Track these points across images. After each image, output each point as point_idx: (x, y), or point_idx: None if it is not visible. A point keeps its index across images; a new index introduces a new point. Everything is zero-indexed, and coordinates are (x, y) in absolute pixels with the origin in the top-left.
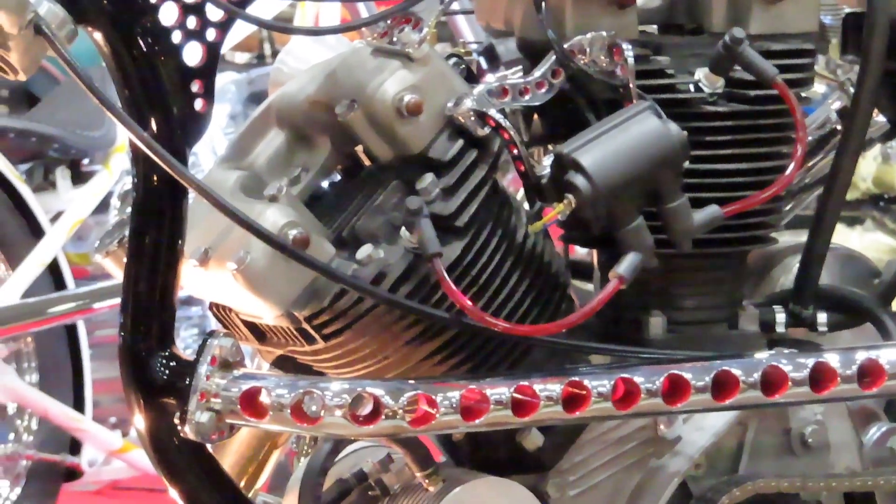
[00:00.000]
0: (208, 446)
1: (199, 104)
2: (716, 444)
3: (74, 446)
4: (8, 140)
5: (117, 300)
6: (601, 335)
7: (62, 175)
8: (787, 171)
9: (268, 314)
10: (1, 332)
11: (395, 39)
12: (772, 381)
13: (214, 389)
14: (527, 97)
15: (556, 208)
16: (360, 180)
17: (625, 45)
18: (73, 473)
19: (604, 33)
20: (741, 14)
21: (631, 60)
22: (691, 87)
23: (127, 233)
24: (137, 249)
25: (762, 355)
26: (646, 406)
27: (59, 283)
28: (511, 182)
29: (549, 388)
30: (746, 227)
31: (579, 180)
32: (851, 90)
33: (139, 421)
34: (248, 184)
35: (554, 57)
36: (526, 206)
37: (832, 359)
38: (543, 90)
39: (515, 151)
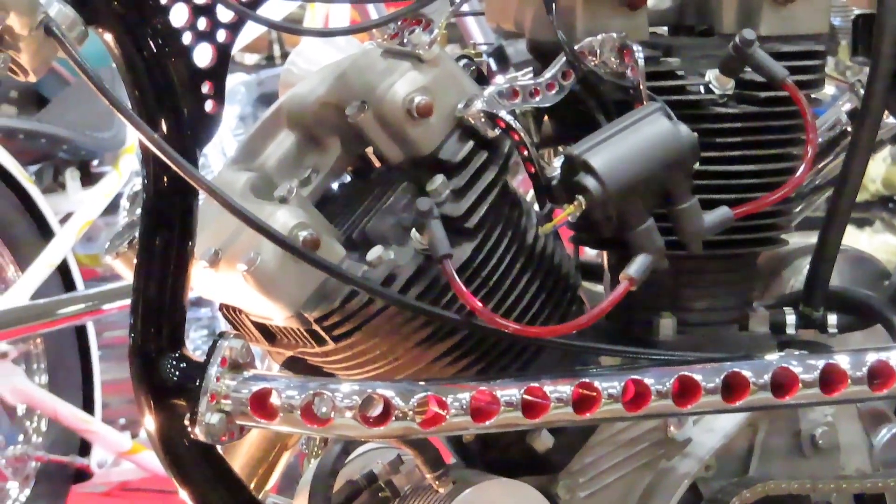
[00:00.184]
0: (218, 448)
1: (209, 105)
2: (726, 446)
3: (84, 448)
4: (17, 141)
5: (127, 301)
6: (611, 336)
7: (72, 176)
8: (798, 173)
9: (278, 315)
10: (10, 333)
11: (405, 41)
12: (782, 383)
13: (225, 391)
14: (537, 99)
15: (566, 210)
16: (370, 182)
17: (635, 47)
18: (82, 475)
19: (614, 35)
20: (751, 15)
21: (641, 62)
22: (702, 89)
23: (137, 234)
24: (148, 251)
25: (772, 357)
26: (656, 408)
27: (69, 285)
28: (521, 183)
29: (560, 389)
30: (757, 228)
31: (590, 182)
32: (862, 91)
33: (149, 422)
34: (259, 185)
35: (564, 58)
36: (536, 207)
37: (842, 360)
38: (554, 92)
39: (526, 153)
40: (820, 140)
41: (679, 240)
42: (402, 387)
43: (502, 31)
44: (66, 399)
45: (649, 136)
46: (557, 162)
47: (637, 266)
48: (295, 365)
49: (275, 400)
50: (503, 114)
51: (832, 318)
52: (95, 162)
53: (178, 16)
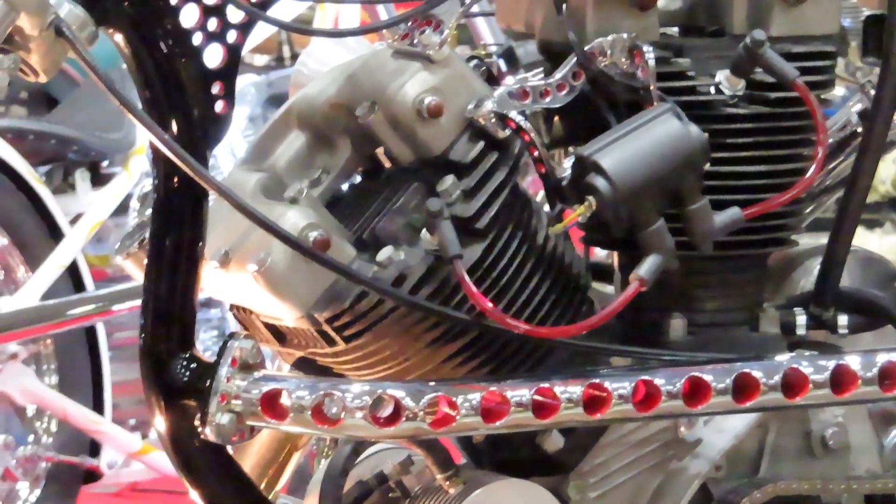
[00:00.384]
0: (229, 448)
1: (219, 106)
2: (736, 447)
3: (94, 448)
4: (28, 142)
5: (137, 302)
6: (622, 337)
7: (82, 177)
8: (808, 174)
9: (288, 316)
10: (20, 334)
11: (415, 41)
12: (792, 384)
13: (235, 391)
14: (547, 99)
15: (576, 210)
16: (380, 182)
17: (645, 48)
18: (92, 475)
19: (625, 35)
20: (762, 16)
21: (652, 62)
22: (712, 90)
23: (147, 235)
24: (158, 251)
25: (783, 358)
26: (666, 408)
27: (79, 285)
28: (531, 184)
29: (570, 390)
30: (767, 229)
31: (600, 182)
32: (872, 92)
33: (160, 423)
34: (269, 185)
35: (575, 59)
36: (546, 208)
37: (853, 361)
38: (564, 92)
39: (536, 153)
40: (830, 141)
41: (689, 240)
42: (412, 387)
43: (512, 32)
44: (76, 400)
45: (660, 137)
46: (568, 162)
47: (647, 267)
48: (305, 365)
49: (285, 400)
50: (514, 114)
51: (843, 319)
52: (105, 163)
53: (189, 16)
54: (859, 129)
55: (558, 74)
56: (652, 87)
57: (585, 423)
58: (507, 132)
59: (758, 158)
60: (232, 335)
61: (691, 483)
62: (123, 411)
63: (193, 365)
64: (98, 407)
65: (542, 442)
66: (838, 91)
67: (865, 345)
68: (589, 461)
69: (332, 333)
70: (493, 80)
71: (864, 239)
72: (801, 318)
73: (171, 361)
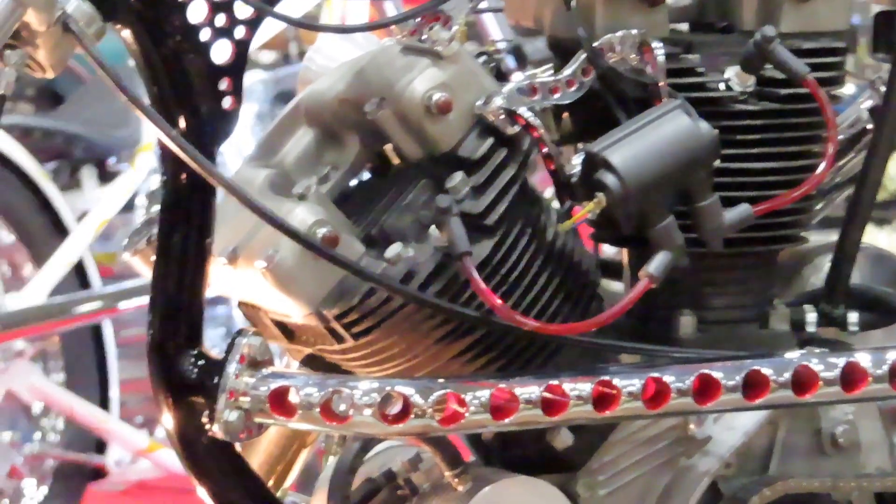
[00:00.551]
0: (237, 445)
1: (227, 102)
2: (746, 444)
3: (101, 446)
4: (34, 139)
5: (143, 300)
6: (631, 334)
7: (88, 174)
8: (819, 170)
9: (297, 313)
10: (27, 331)
11: (424, 37)
12: (802, 381)
13: (243, 388)
14: (557, 95)
15: (586, 207)
16: (389, 178)
17: (655, 44)
18: (99, 473)
19: (634, 31)
20: (772, 12)
21: (661, 59)
22: (722, 86)
23: (155, 231)
24: (166, 248)
25: (793, 355)
26: (676, 405)
27: (85, 283)
28: (541, 181)
29: (579, 387)
30: (777, 226)
31: (609, 179)
32: (882, 89)
33: (167, 420)
34: (277, 182)
35: (584, 55)
36: (556, 204)
37: (863, 358)
38: (573, 88)
39: (545, 150)
40: (840, 137)
41: (699, 237)
42: (421, 384)
43: (521, 29)
44: (83, 397)
45: (669, 133)
46: (577, 159)
47: (657, 263)
48: (314, 362)
49: (293, 397)
50: (523, 111)
51: (853, 316)
52: (112, 160)
53: (197, 12)
54: (869, 126)
55: (567, 70)
56: (661, 84)
57: (595, 421)
58: (517, 128)
59: (768, 155)
60: (240, 332)
61: (701, 480)
62: (130, 409)
63: (201, 362)
64: (105, 404)
65: (552, 439)
66: (848, 88)
67: (875, 342)
68: (598, 459)
69: (341, 330)
70: (501, 76)
71: (872, 236)
72: (811, 316)
73: (179, 358)
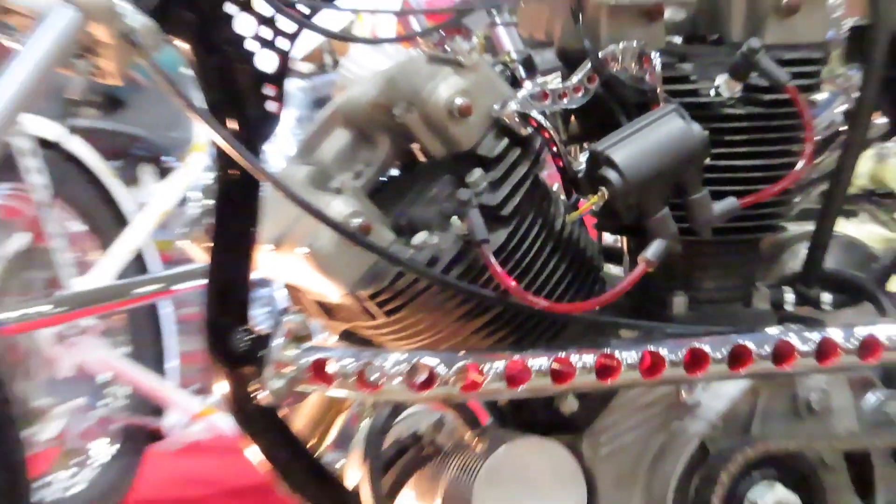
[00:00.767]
0: (282, 410)
1: (271, 106)
2: (731, 409)
3: (160, 411)
4: (100, 140)
5: (197, 282)
6: (630, 312)
7: (147, 171)
8: (797, 167)
9: (334, 293)
10: (95, 310)
11: (447, 48)
12: (781, 354)
13: (287, 360)
14: (565, 100)
15: (590, 200)
16: (415, 174)
17: (653, 54)
18: (158, 435)
19: (634, 43)
20: (757, 26)
21: (658, 68)
22: (712, 92)
23: (209, 221)
24: (219, 236)
25: (773, 331)
26: (669, 375)
27: (146, 267)
28: (550, 176)
29: (584, 358)
30: (760, 216)
31: (612, 175)
32: (854, 95)
33: (221, 388)
34: (317, 178)
35: (590, 64)
36: (564, 197)
37: (835, 334)
38: (580, 94)
39: (555, 149)
40: (817, 138)
41: (691, 226)
42: (444, 356)
43: (531, 41)
44: (145, 368)
45: (665, 134)
46: (583, 157)
47: (653, 250)
48: (349, 337)
49: (331, 368)
50: (535, 114)
51: (826, 297)
52: (167, 158)
53: (245, 26)
54: (843, 128)
55: (575, 78)
56: (658, 90)
57: (597, 388)
58: (529, 130)
59: (752, 154)
60: (284, 310)
61: (691, 441)
62: (187, 378)
63: (251, 336)
64: (165, 374)
65: (559, 404)
66: (822, 94)
67: (846, 319)
68: (600, 422)
69: (374, 309)
70: (515, 83)
71: (841, 227)
72: (789, 296)
73: (230, 333)
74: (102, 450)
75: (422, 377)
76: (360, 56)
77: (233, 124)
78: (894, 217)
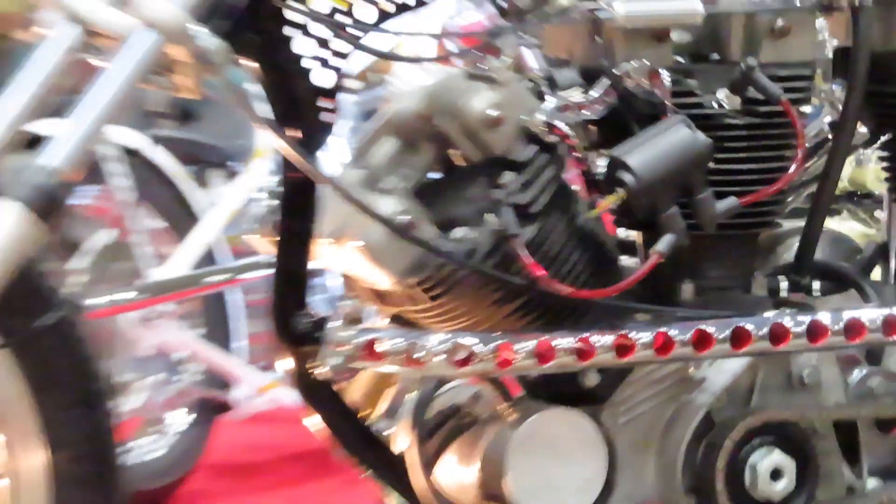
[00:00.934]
0: (338, 384)
1: (327, 117)
2: (733, 383)
3: (229, 385)
4: (175, 147)
5: (262, 271)
6: (643, 298)
7: (216, 175)
8: (790, 171)
9: (384, 281)
10: (173, 296)
11: (482, 66)
12: (777, 335)
13: (343, 340)
14: (585, 112)
15: (608, 199)
16: (454, 177)
17: (662, 71)
18: (227, 406)
19: (646, 62)
20: (754, 47)
21: (667, 83)
22: (715, 105)
23: (274, 219)
24: (283, 231)
25: (770, 314)
26: (679, 353)
27: (216, 259)
28: (573, 178)
29: (604, 339)
30: (758, 214)
31: (627, 177)
32: (839, 107)
33: (284, 365)
34: (369, 180)
35: (607, 80)
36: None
37: (824, 317)
38: (598, 106)
39: (577, 154)
40: (807, 145)
41: (697, 222)
42: (481, 337)
43: (553, 61)
44: (217, 347)
45: (674, 142)
46: (602, 161)
47: (664, 243)
48: (398, 320)
49: (382, 347)
50: (559, 124)
51: (816, 285)
52: (233, 163)
53: (304, 46)
54: (829, 136)
55: (594, 92)
56: (667, 103)
57: (616, 365)
58: (554, 138)
59: (750, 158)
60: (341, 296)
61: (698, 412)
62: (253, 356)
63: (311, 320)
64: (234, 352)
65: (583, 379)
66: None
67: (834, 305)
68: (619, 394)
69: (419, 295)
70: (541, 97)
71: (828, 223)
72: (783, 284)
73: (293, 317)
74: (179, 419)
75: (461, 355)
76: (404, 73)
77: (293, 133)
78: (873, 215)
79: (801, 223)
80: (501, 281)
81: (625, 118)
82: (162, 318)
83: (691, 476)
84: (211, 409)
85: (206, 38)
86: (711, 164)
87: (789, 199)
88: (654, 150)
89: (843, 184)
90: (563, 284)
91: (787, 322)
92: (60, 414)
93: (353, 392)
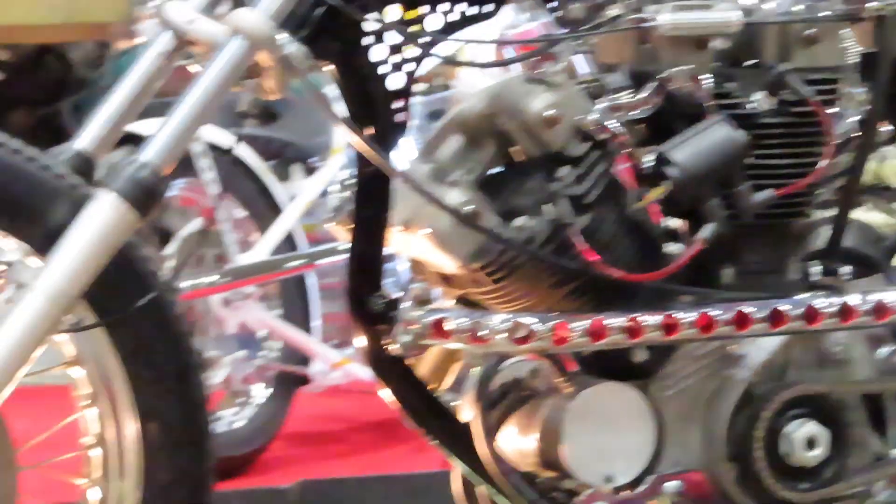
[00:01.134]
0: (409, 359)
1: (400, 117)
2: (770, 360)
3: (307, 360)
4: (259, 145)
5: (336, 257)
6: (688, 281)
7: (297, 169)
8: (821, 165)
9: (451, 266)
10: (254, 280)
11: (541, 71)
12: (811, 315)
13: (413, 319)
14: (635, 112)
15: (655, 191)
16: (515, 170)
17: (704, 75)
18: (305, 380)
19: (689, 66)
20: (787, 52)
21: (709, 86)
22: (752, 105)
23: (349, 209)
24: (358, 220)
25: (804, 296)
26: (721, 332)
27: (295, 245)
28: (622, 172)
29: (652, 319)
30: (792, 204)
31: (673, 171)
32: (865, 108)
33: (359, 342)
34: (437, 173)
35: (655, 83)
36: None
37: (853, 299)
38: (647, 107)
39: (627, 150)
40: (836, 142)
41: (736, 212)
42: (540, 316)
43: (603, 66)
44: (294, 326)
45: (715, 139)
46: (650, 157)
47: (707, 231)
48: (463, 301)
49: (449, 326)
50: (611, 123)
51: (845, 269)
52: (313, 159)
53: (379, 52)
54: (856, 134)
55: (642, 94)
56: (709, 104)
57: (663, 343)
58: (606, 135)
59: (785, 154)
60: (411, 280)
61: (738, 386)
62: (328, 335)
63: (384, 301)
64: (311, 331)
65: (633, 355)
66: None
67: (862, 288)
68: (666, 369)
69: (482, 278)
70: (593, 98)
71: (853, 214)
72: (816, 269)
73: (367, 298)
74: (260, 392)
75: (521, 333)
76: (469, 77)
77: (369, 131)
78: (893, 207)
79: (831, 213)
80: (558, 266)
81: (670, 118)
82: (245, 299)
83: (732, 445)
84: (290, 382)
85: (290, 45)
86: (750, 160)
87: (820, 192)
88: (697, 146)
89: (867, 177)
90: (614, 269)
91: (820, 303)
92: (154, 387)
93: (422, 367)
